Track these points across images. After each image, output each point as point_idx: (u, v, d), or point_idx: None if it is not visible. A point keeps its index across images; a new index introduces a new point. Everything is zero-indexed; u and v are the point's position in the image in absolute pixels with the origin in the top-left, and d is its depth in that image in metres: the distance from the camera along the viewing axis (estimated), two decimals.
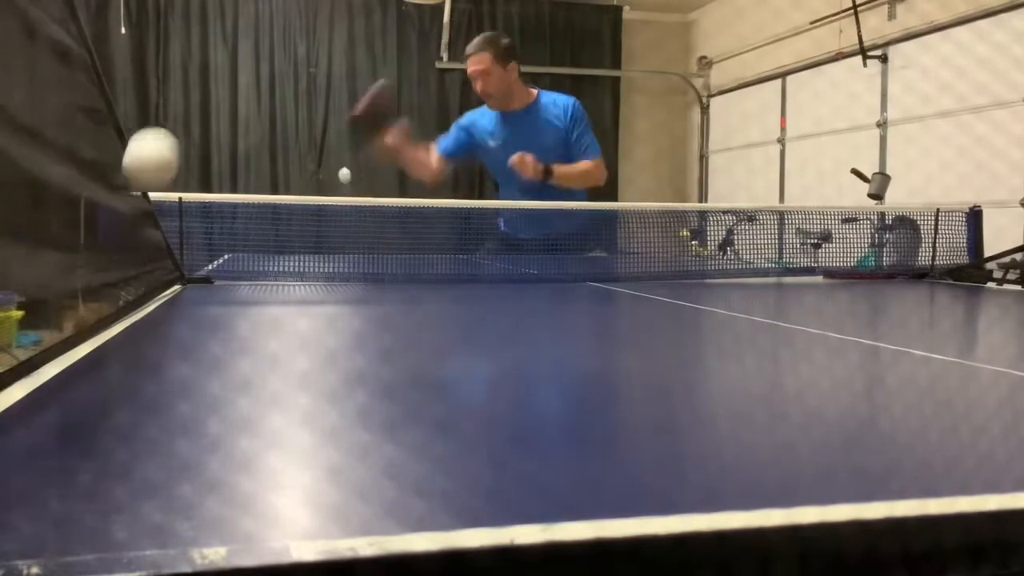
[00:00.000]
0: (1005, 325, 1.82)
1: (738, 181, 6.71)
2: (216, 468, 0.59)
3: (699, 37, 7.32)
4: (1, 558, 0.39)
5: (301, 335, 1.45)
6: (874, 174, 3.96)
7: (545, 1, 7.04)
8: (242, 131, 6.47)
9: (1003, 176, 4.31)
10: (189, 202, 2.26)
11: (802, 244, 2.95)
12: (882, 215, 3.16)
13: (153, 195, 1.94)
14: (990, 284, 2.53)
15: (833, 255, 2.82)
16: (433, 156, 3.35)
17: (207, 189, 6.05)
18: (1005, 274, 2.50)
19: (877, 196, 3.81)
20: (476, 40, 3.30)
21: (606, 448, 0.70)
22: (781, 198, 6.08)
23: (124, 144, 1.54)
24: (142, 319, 1.47)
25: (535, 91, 3.35)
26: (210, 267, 2.38)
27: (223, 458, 0.62)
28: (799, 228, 2.99)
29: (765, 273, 2.74)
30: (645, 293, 2.17)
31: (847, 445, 0.71)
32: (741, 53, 6.61)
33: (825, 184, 5.49)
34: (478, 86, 3.25)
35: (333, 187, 6.23)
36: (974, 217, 2.78)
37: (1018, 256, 2.54)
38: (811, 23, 5.69)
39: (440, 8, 6.60)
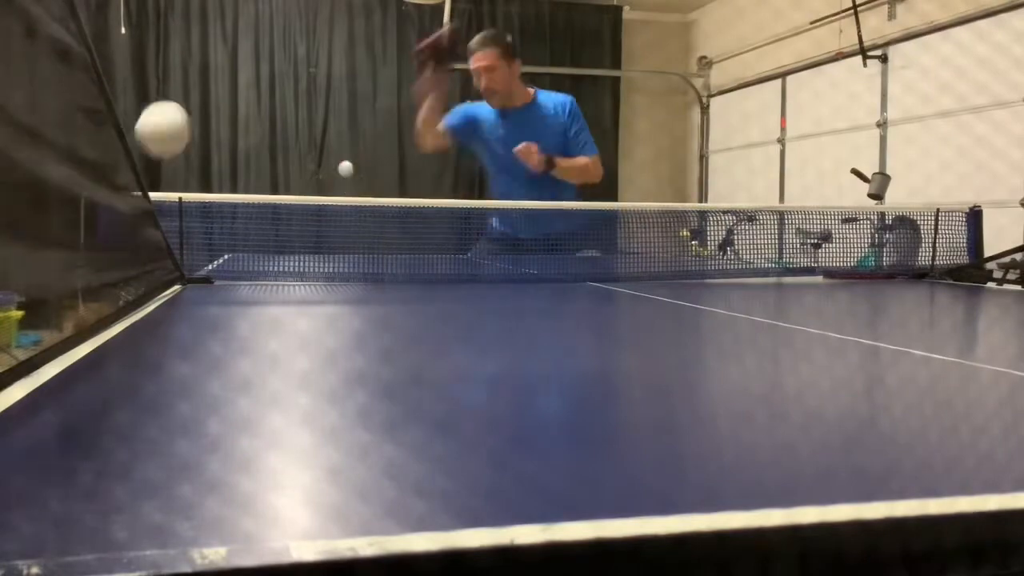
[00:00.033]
0: (1005, 325, 1.82)
1: (738, 181, 6.71)
2: (216, 468, 0.59)
3: (699, 37, 7.32)
4: (1, 558, 0.39)
5: (301, 335, 1.45)
6: (874, 174, 3.96)
7: (545, 1, 7.04)
8: (242, 131, 6.47)
9: (1003, 176, 4.31)
10: (189, 202, 2.26)
11: (802, 244, 2.95)
12: (882, 215, 3.16)
13: (153, 195, 1.94)
14: (990, 284, 2.53)
15: (833, 255, 2.82)
16: (441, 126, 3.36)
17: (207, 189, 6.05)
18: (1005, 274, 2.50)
19: (877, 196, 3.81)
20: (481, 36, 3.31)
21: (606, 448, 0.70)
22: (781, 198, 6.08)
23: (124, 144, 1.54)
24: (142, 319, 1.47)
25: (532, 90, 3.38)
26: (210, 267, 2.38)
27: (223, 458, 0.62)
28: (799, 228, 2.99)
29: (765, 273, 2.74)
30: (645, 293, 2.17)
31: (847, 445, 0.71)
32: (741, 53, 6.61)
33: (825, 184, 5.49)
34: (483, 82, 3.24)
35: (333, 187, 6.23)
36: (974, 217, 2.78)
37: (1018, 256, 2.54)
38: (811, 23, 5.69)
39: (440, 8, 6.58)
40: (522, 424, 0.80)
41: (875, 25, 5.16)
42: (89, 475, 0.57)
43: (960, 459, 0.65)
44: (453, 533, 0.43)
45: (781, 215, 3.06)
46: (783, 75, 6.10)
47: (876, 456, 0.68)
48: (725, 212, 3.32)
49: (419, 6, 6.58)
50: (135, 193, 1.76)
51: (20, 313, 1.04)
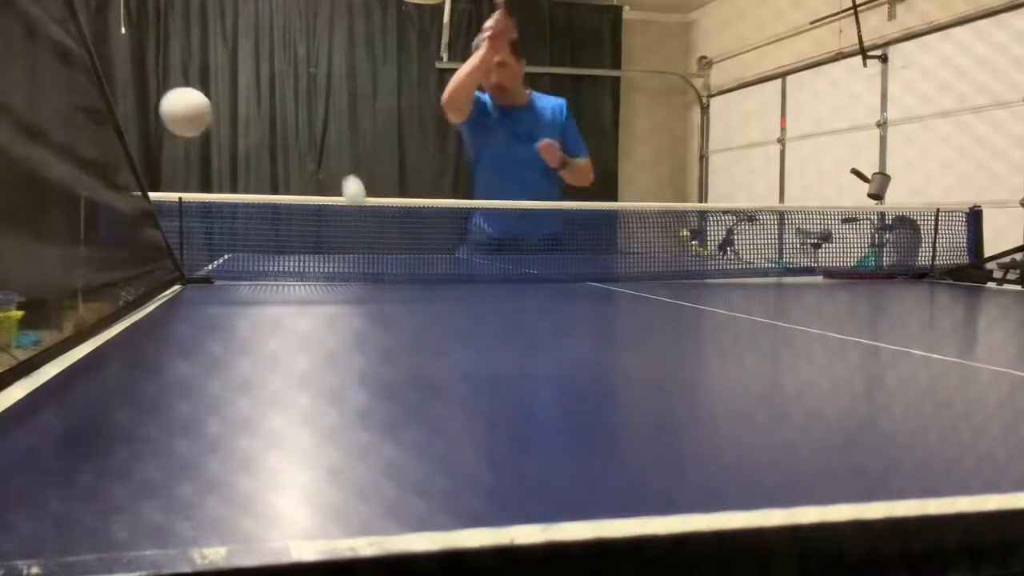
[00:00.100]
0: (1005, 325, 1.82)
1: (738, 181, 6.70)
2: (216, 468, 0.59)
3: (699, 37, 7.31)
4: (1, 558, 0.39)
5: (301, 335, 1.45)
6: (874, 174, 3.96)
7: (545, 1, 7.04)
8: (242, 131, 6.47)
9: (1003, 176, 4.30)
10: (189, 202, 2.26)
11: (802, 244, 2.95)
12: (882, 215, 3.16)
13: (153, 195, 1.94)
14: (990, 284, 2.53)
15: (833, 255, 2.82)
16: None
17: (207, 189, 6.05)
18: (1005, 274, 2.50)
19: (877, 196, 3.81)
20: None
21: (606, 448, 0.70)
22: (781, 198, 6.07)
23: (124, 144, 1.54)
24: (142, 319, 1.47)
25: (528, 91, 3.41)
26: (210, 267, 2.38)
27: (223, 458, 0.62)
28: (799, 228, 2.99)
29: (765, 273, 2.74)
30: (645, 293, 2.17)
31: (847, 445, 0.71)
32: (741, 53, 6.61)
33: (825, 184, 5.49)
34: (493, 77, 3.22)
35: (333, 187, 6.23)
36: (974, 217, 2.78)
37: (1018, 256, 2.54)
38: (811, 23, 5.69)
39: (440, 8, 6.59)
40: (522, 424, 0.80)
41: (875, 25, 5.16)
42: (89, 475, 0.57)
43: (960, 459, 0.65)
44: (453, 533, 0.43)
45: (781, 215, 3.06)
46: (783, 75, 6.10)
47: (876, 456, 0.68)
48: (725, 212, 3.33)
49: (419, 6, 6.58)
50: (135, 193, 1.76)
51: (20, 313, 1.04)
